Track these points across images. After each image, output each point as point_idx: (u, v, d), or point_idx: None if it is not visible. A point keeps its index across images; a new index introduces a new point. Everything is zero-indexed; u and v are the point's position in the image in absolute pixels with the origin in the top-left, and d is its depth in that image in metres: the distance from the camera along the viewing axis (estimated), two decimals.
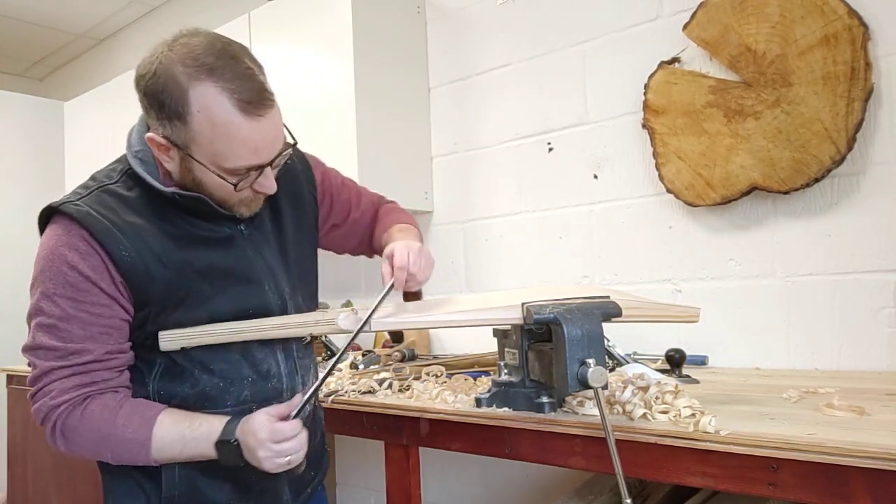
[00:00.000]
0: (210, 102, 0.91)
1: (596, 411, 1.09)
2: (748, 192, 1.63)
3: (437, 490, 2.29)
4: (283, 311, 1.12)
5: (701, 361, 1.71)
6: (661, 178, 1.77)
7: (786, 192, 1.58)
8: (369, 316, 1.04)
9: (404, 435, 1.38)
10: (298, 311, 1.16)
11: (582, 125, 1.97)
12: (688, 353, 1.55)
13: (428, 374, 1.61)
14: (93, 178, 1.05)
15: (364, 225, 1.33)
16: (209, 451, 0.98)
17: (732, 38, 1.63)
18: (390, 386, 1.52)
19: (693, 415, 1.03)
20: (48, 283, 0.96)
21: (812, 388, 1.27)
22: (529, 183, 2.09)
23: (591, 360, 0.96)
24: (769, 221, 1.65)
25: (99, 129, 3.21)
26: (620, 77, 1.89)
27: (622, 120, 1.88)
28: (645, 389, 1.13)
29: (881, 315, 1.51)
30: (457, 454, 1.99)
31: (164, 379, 1.05)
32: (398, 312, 1.10)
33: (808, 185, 1.55)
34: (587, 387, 0.95)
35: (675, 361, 1.50)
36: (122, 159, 1.06)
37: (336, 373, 1.72)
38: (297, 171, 1.20)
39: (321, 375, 1.04)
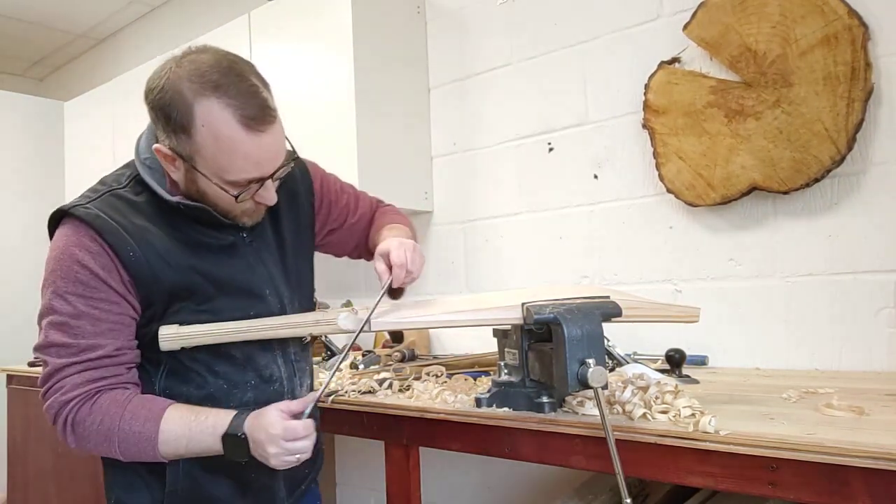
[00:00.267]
0: (214, 118, 0.94)
1: (596, 411, 1.09)
2: (748, 192, 1.63)
3: (437, 490, 2.29)
4: None
5: (701, 361, 1.71)
6: (661, 178, 1.77)
7: (786, 192, 1.58)
8: (370, 315, 1.04)
9: (404, 435, 1.38)
10: None
11: (582, 125, 1.98)
12: (688, 353, 1.55)
13: (428, 374, 1.61)
14: (102, 181, 1.09)
15: (361, 229, 1.36)
16: (215, 446, 0.99)
17: (733, 38, 1.63)
18: (390, 386, 1.52)
19: (693, 415, 1.03)
20: (59, 281, 0.99)
21: (812, 388, 1.27)
22: (529, 183, 2.09)
23: (591, 360, 0.96)
24: (769, 221, 1.65)
25: (99, 129, 3.21)
26: (620, 77, 1.89)
27: (622, 120, 1.88)
28: (645, 389, 1.13)
29: (881, 315, 1.51)
30: (457, 454, 1.99)
31: (170, 378, 1.07)
32: (398, 312, 1.10)
33: (808, 185, 1.55)
34: (587, 387, 0.95)
35: (675, 361, 1.49)
36: (131, 165, 1.10)
37: (336, 373, 1.72)
38: (297, 179, 1.22)
39: (328, 375, 1.06)
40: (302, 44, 2.26)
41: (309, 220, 1.26)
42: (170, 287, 1.02)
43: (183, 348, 1.05)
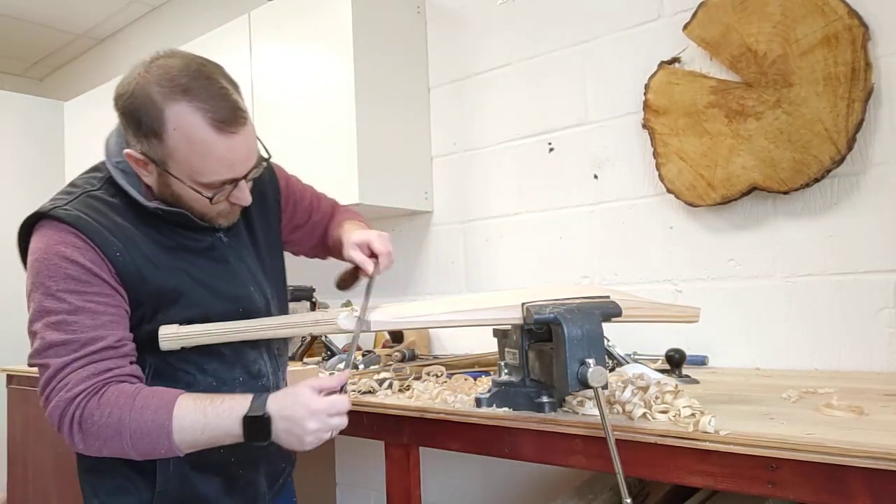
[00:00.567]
0: (185, 121, 0.94)
1: (596, 411, 1.09)
2: (748, 193, 1.63)
3: (437, 490, 2.29)
4: (268, 312, 1.16)
5: (701, 361, 1.71)
6: (661, 178, 1.77)
7: (786, 193, 1.58)
8: (363, 307, 1.06)
9: (404, 435, 1.38)
10: (279, 311, 1.21)
11: (582, 125, 1.98)
12: (688, 353, 1.55)
13: (428, 374, 1.61)
14: (73, 184, 1.06)
15: (323, 226, 1.38)
16: (234, 429, 0.95)
17: (733, 38, 1.63)
18: (390, 386, 1.52)
19: (693, 415, 1.03)
20: (48, 281, 0.96)
21: (812, 388, 1.27)
22: (529, 183, 2.09)
23: (591, 360, 0.96)
24: (769, 221, 1.65)
25: (99, 130, 3.16)
26: (621, 77, 1.89)
27: (623, 120, 1.88)
28: (645, 389, 1.13)
29: (881, 315, 1.51)
30: (457, 454, 1.99)
31: (156, 379, 1.05)
32: (398, 312, 1.10)
33: (808, 186, 1.55)
34: (587, 387, 0.96)
35: (675, 361, 1.50)
36: (101, 167, 1.08)
37: (335, 373, 1.72)
38: (265, 179, 1.23)
39: (342, 365, 1.07)
40: (302, 44, 2.26)
41: (277, 218, 1.28)
42: (158, 288, 1.01)
43: (183, 348, 1.04)
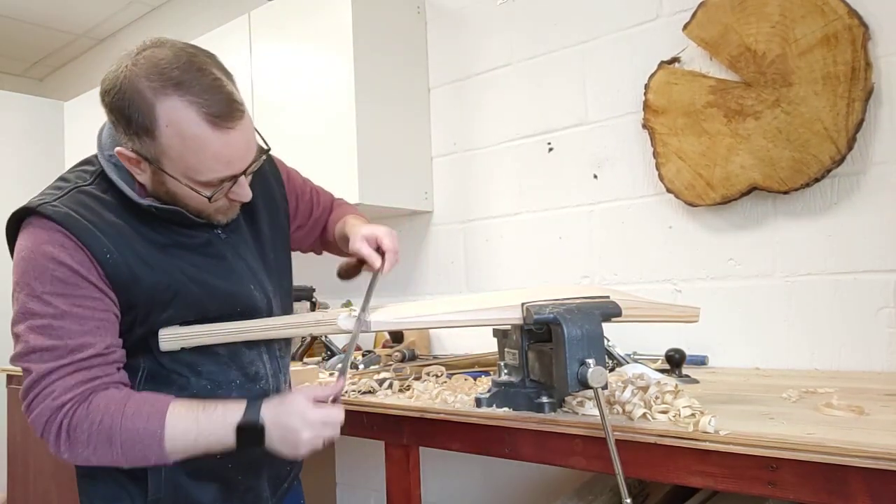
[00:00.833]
0: (178, 117, 0.89)
1: (596, 411, 1.09)
2: (748, 192, 1.63)
3: (437, 490, 2.29)
4: (270, 311, 1.12)
5: (701, 361, 1.71)
6: (661, 177, 1.77)
7: (786, 192, 1.58)
8: (363, 306, 1.05)
9: (404, 435, 1.38)
10: (282, 309, 1.17)
11: (582, 125, 1.98)
12: (688, 353, 1.55)
13: (428, 374, 1.61)
14: (63, 178, 1.02)
15: (323, 221, 1.34)
16: (227, 438, 0.93)
17: (732, 38, 1.63)
18: (390, 386, 1.52)
19: (693, 415, 1.03)
20: (34, 282, 0.92)
21: (811, 388, 1.28)
22: (529, 183, 2.09)
23: (591, 360, 0.96)
24: (769, 221, 1.65)
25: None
26: (620, 77, 1.89)
27: (622, 120, 1.88)
28: (645, 389, 1.13)
29: (881, 315, 1.51)
30: (457, 454, 1.99)
31: (149, 383, 1.02)
32: (398, 312, 1.10)
33: (807, 185, 1.55)
34: (587, 387, 0.96)
35: (675, 361, 1.50)
36: (93, 161, 1.03)
37: (335, 373, 1.72)
38: (267, 172, 1.20)
39: (342, 361, 1.05)
40: (302, 44, 2.26)
41: (284, 212, 1.23)
42: (151, 288, 0.97)
43: (182, 348, 1.03)
